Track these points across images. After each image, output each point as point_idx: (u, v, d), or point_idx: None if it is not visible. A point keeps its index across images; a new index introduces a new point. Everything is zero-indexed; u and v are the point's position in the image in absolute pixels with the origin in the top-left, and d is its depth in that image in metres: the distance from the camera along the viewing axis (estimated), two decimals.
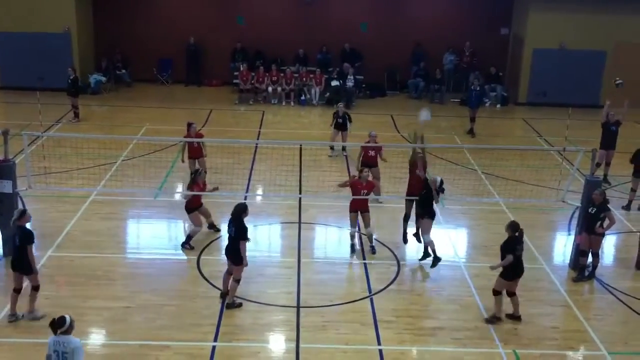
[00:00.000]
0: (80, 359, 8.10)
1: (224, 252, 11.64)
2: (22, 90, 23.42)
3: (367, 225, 13.46)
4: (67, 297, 11.52)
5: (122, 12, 26.42)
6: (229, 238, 11.40)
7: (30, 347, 10.21)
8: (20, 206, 13.10)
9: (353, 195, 13.41)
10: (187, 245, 13.45)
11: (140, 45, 26.54)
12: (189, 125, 16.14)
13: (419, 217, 13.06)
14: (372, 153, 15.86)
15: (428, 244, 12.88)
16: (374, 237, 13.65)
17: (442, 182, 12.79)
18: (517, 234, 11.14)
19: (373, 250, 13.57)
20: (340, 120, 19.07)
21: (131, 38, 26.54)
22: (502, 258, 11.13)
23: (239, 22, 26.29)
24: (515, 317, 11.33)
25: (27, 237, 10.56)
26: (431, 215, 12.86)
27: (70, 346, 8.08)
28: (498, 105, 25.85)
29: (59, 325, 8.14)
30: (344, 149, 19.15)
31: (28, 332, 10.55)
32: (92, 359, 10.05)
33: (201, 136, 16.90)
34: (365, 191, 13.38)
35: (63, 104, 22.00)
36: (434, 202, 12.86)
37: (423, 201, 12.89)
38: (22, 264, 10.64)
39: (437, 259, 12.82)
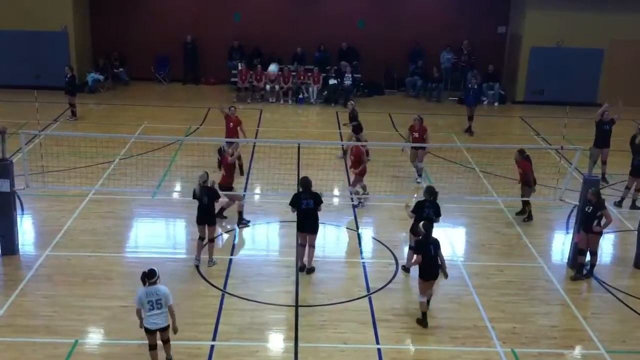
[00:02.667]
0: (171, 301, 9.36)
1: (299, 228, 12.39)
2: (19, 88, 23.36)
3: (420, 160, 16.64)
4: (65, 296, 11.50)
5: (120, 11, 26.34)
6: (307, 210, 12.26)
7: (24, 346, 10.21)
8: (18, 205, 13.08)
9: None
10: (243, 221, 14.18)
11: (138, 43, 26.48)
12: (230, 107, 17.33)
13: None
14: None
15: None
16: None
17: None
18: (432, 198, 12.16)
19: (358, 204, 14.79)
20: (355, 124, 17.95)
21: (129, 36, 26.48)
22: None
23: (236, 20, 26.27)
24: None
25: None
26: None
27: (162, 292, 9.32)
28: (496, 104, 25.86)
29: (150, 276, 9.29)
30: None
31: (25, 332, 10.53)
32: (90, 359, 10.06)
33: (239, 122, 17.31)
34: (417, 134, 16.55)
35: (60, 102, 21.96)
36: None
37: None
38: None
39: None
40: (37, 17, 24.42)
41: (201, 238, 12.66)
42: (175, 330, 9.55)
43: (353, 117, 18.93)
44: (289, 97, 25.27)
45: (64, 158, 16.93)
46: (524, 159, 14.84)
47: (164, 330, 9.50)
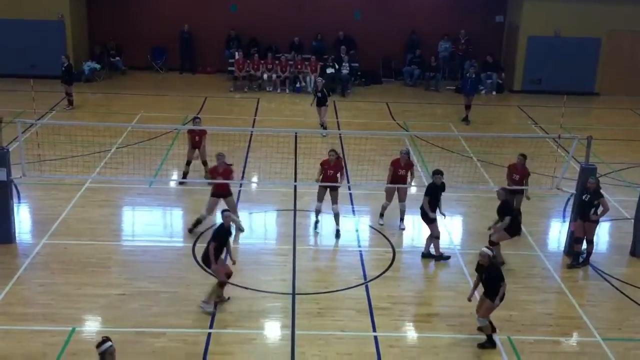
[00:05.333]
0: None
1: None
2: (16, 77, 23.25)
3: (334, 202, 13.58)
4: (61, 285, 11.51)
5: None
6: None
7: (20, 334, 10.22)
8: (15, 194, 13.05)
9: (323, 175, 13.57)
10: (192, 227, 13.55)
11: (134, 32, 26.37)
12: (194, 119, 16.05)
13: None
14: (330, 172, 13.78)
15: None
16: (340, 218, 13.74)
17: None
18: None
19: (337, 234, 13.59)
20: (319, 95, 19.46)
21: (125, 25, 26.35)
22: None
23: (232, 10, 26.18)
24: None
25: None
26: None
27: None
28: (494, 93, 25.81)
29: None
30: (324, 127, 19.55)
31: (22, 320, 10.53)
32: (87, 346, 10.05)
33: (204, 132, 16.52)
34: (332, 171, 13.43)
35: (57, 91, 21.88)
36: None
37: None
38: None
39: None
40: (33, 6, 24.34)
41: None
42: None
43: (322, 92, 19.47)
44: (286, 86, 25.22)
45: (60, 147, 16.89)
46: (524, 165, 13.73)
47: None
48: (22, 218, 13.94)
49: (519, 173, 13.69)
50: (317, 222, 13.96)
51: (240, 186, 15.00)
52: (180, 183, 15.94)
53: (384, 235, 13.74)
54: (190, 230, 13.47)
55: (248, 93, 24.52)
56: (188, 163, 15.86)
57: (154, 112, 21.33)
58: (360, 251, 13.21)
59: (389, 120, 21.77)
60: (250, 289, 11.67)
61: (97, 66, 25.49)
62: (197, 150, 15.84)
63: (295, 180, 16.11)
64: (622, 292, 12.10)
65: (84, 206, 14.57)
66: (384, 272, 12.35)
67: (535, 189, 15.48)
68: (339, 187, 13.62)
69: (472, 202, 15.60)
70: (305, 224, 14.32)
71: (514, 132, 20.29)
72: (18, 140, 13.36)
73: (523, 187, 13.59)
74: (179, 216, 14.66)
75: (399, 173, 13.91)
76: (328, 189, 13.57)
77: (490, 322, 10.23)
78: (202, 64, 27.00)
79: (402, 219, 14.17)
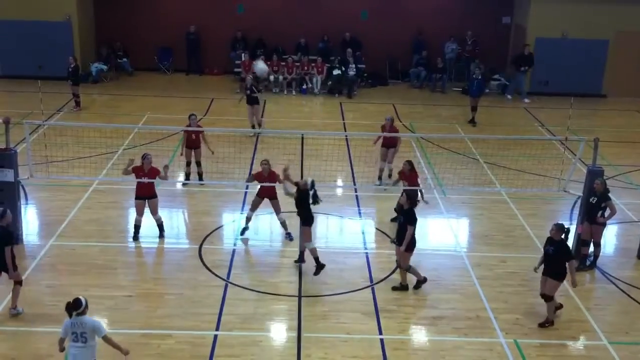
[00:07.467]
0: (103, 333, 8.40)
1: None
2: (23, 78, 23.36)
3: (277, 212, 13.39)
4: (68, 286, 11.53)
5: (123, 1, 26.32)
6: None
7: (27, 335, 10.26)
8: (22, 195, 13.10)
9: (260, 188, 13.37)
10: (135, 235, 13.27)
11: (141, 33, 26.45)
12: (190, 116, 16.05)
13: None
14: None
15: (303, 250, 12.38)
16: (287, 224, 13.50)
17: (313, 183, 12.17)
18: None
19: (290, 237, 13.47)
20: (248, 92, 19.34)
21: (132, 26, 26.44)
22: None
23: (239, 11, 26.22)
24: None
25: (6, 238, 10.25)
26: (305, 222, 12.14)
27: (88, 326, 8.31)
28: (509, 96, 25.30)
29: (75, 307, 8.32)
30: (259, 125, 19.56)
31: (24, 321, 10.56)
32: None
33: (200, 127, 16.67)
34: (268, 182, 13.20)
35: (64, 92, 21.95)
36: (310, 205, 12.07)
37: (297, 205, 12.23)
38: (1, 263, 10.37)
39: (320, 266, 12.17)
40: (40, 7, 24.44)
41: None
42: (125, 353, 8.63)
43: (251, 89, 19.35)
44: (292, 88, 25.23)
45: (67, 148, 16.94)
46: (411, 171, 13.85)
47: None
48: (30, 219, 13.99)
49: (406, 179, 13.66)
50: (245, 228, 13.60)
51: (247, 188, 15.00)
52: (184, 184, 15.96)
53: (390, 238, 13.71)
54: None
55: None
56: (188, 164, 15.88)
57: (160, 113, 21.37)
58: (366, 253, 13.20)
59: (396, 122, 21.69)
60: (257, 291, 11.68)
61: (104, 67, 25.56)
62: (193, 150, 15.80)
63: None
64: (629, 296, 12.06)
65: (91, 207, 14.61)
66: (390, 275, 12.33)
67: (542, 192, 15.47)
68: (276, 193, 13.30)
69: (478, 204, 15.58)
70: (312, 226, 14.28)
71: (521, 134, 20.23)
72: (25, 142, 13.41)
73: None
74: (185, 218, 14.68)
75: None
76: (265, 199, 13.35)
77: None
78: (209, 66, 27.04)
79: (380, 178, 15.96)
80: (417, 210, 12.84)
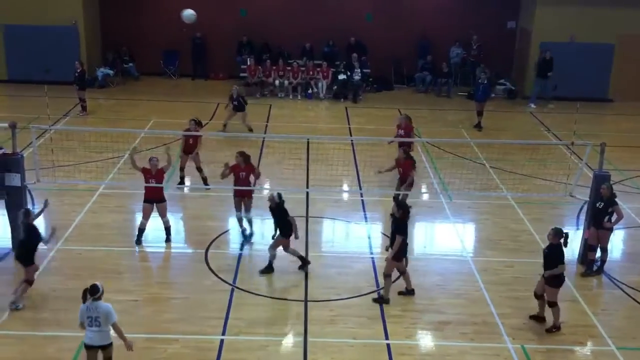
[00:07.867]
0: (113, 320, 8.81)
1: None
2: (30, 83, 23.43)
3: (247, 209, 13.47)
4: (74, 290, 11.43)
5: (129, 5, 26.40)
6: None
7: (36, 339, 10.27)
8: (29, 199, 13.15)
9: (235, 179, 13.44)
10: (138, 239, 13.28)
11: (147, 38, 26.52)
12: (190, 120, 16.06)
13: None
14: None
15: (300, 256, 12.54)
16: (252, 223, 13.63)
17: (279, 195, 12.25)
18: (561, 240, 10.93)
19: (250, 237, 13.60)
20: (235, 103, 20.10)
21: (138, 31, 26.52)
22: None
23: (242, 15, 26.30)
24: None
25: (39, 234, 11.05)
26: (282, 233, 12.25)
27: (102, 310, 8.73)
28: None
29: (92, 292, 8.74)
30: (250, 130, 19.98)
31: (35, 326, 10.59)
32: None
33: (199, 136, 16.58)
34: (244, 174, 13.34)
35: (70, 97, 22.02)
36: (286, 218, 12.22)
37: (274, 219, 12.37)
38: (23, 256, 11.00)
39: (269, 268, 12.36)
40: (47, 13, 24.52)
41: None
42: (128, 347, 8.95)
43: (238, 100, 20.12)
44: (298, 92, 25.26)
45: (74, 153, 16.99)
46: (407, 159, 14.76)
47: (105, 348, 8.92)
48: (36, 224, 13.96)
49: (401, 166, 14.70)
50: (243, 230, 13.69)
51: (252, 193, 15.00)
52: (178, 188, 15.93)
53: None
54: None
55: (260, 99, 24.57)
56: (181, 169, 15.92)
57: (166, 118, 21.41)
58: (372, 258, 13.19)
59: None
60: (263, 295, 11.68)
61: (111, 72, 25.64)
62: (188, 155, 15.82)
63: (307, 187, 16.11)
64: (636, 301, 12.02)
65: (97, 212, 14.64)
66: (396, 279, 12.29)
67: (548, 196, 15.43)
68: (252, 192, 13.48)
69: (484, 209, 15.55)
70: (318, 230, 14.33)
71: (527, 138, 20.21)
72: (32, 146, 13.45)
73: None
74: (191, 222, 14.68)
75: (400, 133, 16.87)
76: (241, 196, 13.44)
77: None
78: (215, 70, 27.09)
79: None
80: (423, 215, 12.85)
